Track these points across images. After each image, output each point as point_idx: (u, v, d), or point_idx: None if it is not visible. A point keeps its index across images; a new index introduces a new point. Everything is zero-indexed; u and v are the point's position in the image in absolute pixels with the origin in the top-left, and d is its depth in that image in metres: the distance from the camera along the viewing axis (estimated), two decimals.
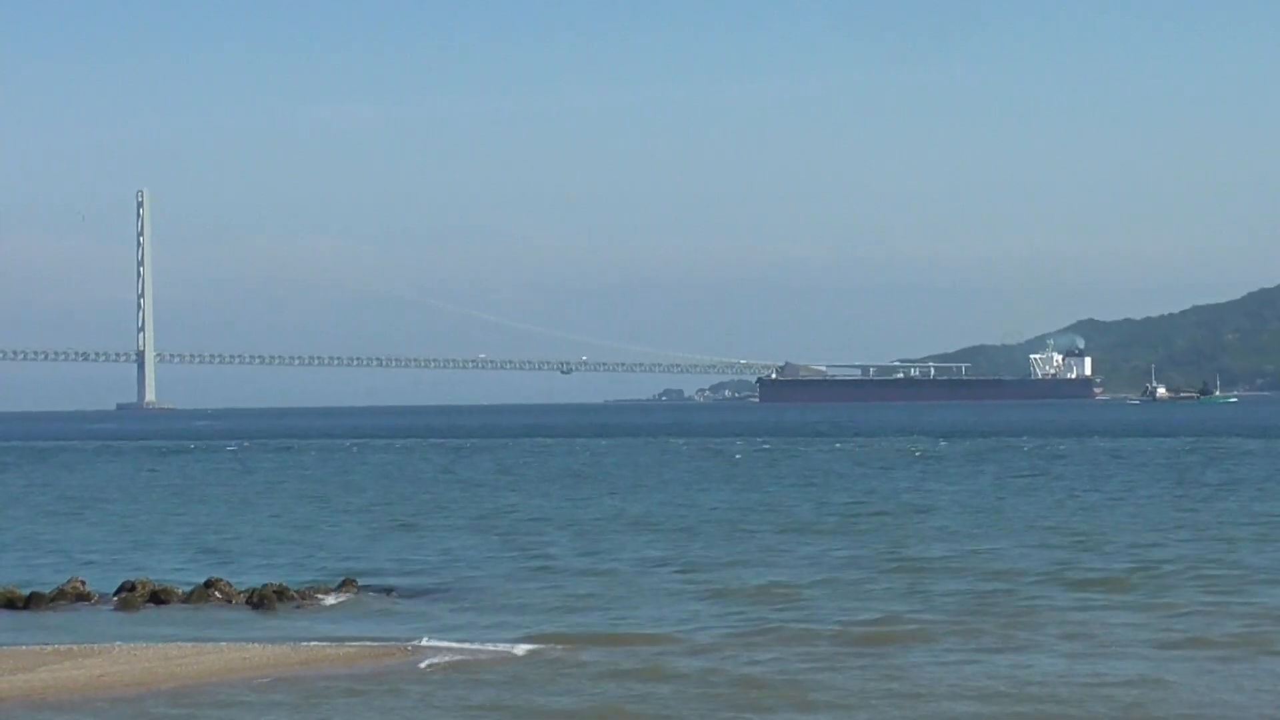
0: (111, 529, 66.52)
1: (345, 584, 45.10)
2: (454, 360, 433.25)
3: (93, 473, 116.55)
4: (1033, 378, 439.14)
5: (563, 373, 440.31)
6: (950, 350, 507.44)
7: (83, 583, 44.62)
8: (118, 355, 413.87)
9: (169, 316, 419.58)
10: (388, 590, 45.02)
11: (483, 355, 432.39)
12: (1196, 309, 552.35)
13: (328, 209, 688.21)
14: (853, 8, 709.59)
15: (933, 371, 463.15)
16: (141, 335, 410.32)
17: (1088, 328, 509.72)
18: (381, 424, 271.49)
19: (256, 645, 35.28)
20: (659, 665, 32.83)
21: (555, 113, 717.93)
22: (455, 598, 43.68)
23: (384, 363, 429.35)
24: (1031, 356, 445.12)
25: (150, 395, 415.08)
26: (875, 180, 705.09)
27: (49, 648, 34.89)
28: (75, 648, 34.86)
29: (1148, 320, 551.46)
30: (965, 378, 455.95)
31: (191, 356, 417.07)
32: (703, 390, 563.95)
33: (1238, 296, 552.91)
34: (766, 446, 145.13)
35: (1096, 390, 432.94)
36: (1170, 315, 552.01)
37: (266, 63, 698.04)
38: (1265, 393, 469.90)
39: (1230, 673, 31.51)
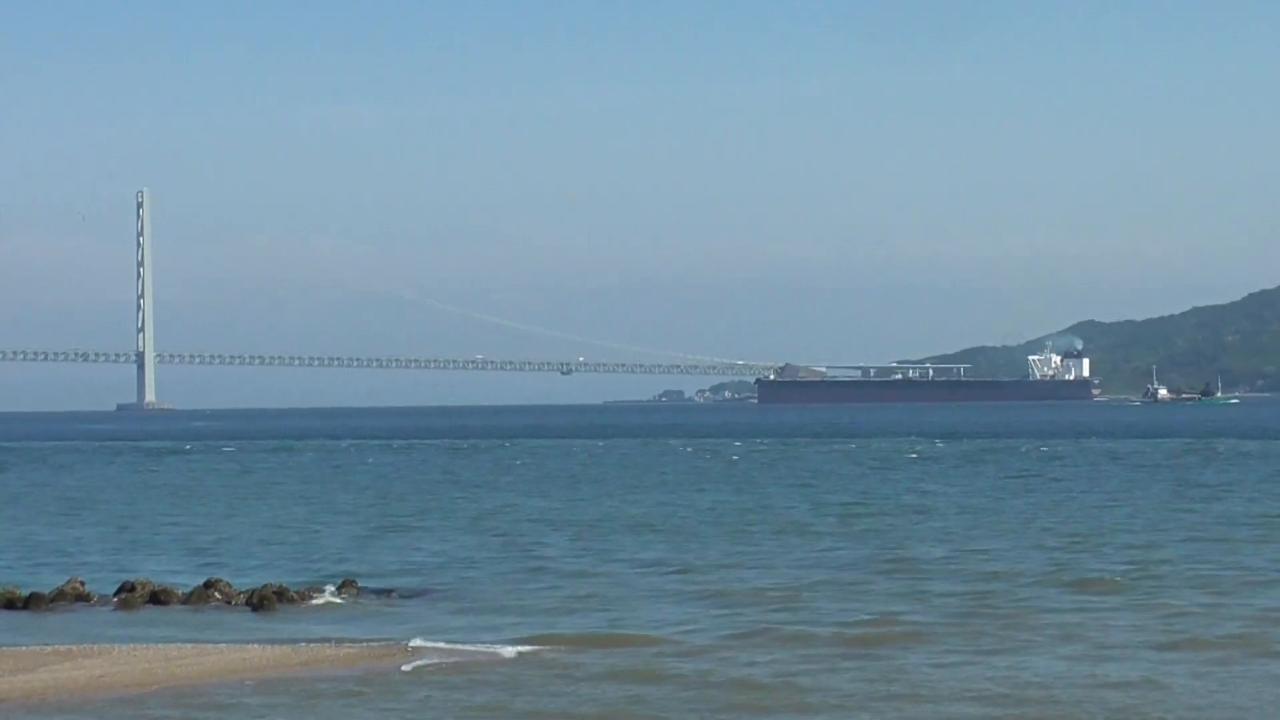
0: (110, 530, 66.55)
1: (345, 585, 45.14)
2: (454, 361, 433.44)
3: (91, 473, 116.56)
4: (1031, 379, 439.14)
5: (562, 373, 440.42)
6: (950, 351, 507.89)
7: (82, 583, 44.66)
8: (118, 356, 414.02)
9: (169, 317, 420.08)
10: (387, 591, 45.06)
11: (479, 356, 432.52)
12: (1197, 310, 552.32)
13: (328, 209, 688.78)
14: (853, 8, 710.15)
15: (931, 373, 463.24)
16: (141, 335, 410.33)
17: (1088, 329, 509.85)
18: (381, 425, 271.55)
19: (256, 646, 35.32)
20: (656, 667, 32.84)
21: (555, 113, 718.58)
22: (454, 599, 43.74)
23: (384, 363, 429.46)
24: (1030, 358, 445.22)
25: (150, 396, 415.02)
26: (875, 180, 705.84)
27: (49, 648, 34.92)
28: (75, 648, 34.89)
29: (1148, 321, 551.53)
30: (964, 379, 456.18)
31: (191, 357, 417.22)
32: (703, 391, 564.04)
33: (1238, 298, 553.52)
34: (763, 447, 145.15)
35: (1095, 392, 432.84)
36: (1171, 316, 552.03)
37: (266, 63, 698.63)
38: (1265, 394, 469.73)
39: (1228, 674, 31.54)
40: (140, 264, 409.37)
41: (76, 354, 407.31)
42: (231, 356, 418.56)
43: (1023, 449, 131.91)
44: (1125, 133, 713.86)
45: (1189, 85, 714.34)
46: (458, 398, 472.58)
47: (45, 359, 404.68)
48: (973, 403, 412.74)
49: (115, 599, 43.73)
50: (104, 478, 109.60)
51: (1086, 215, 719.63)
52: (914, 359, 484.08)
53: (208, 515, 73.59)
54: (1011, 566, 48.33)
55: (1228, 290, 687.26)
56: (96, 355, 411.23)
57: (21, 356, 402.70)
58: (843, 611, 39.77)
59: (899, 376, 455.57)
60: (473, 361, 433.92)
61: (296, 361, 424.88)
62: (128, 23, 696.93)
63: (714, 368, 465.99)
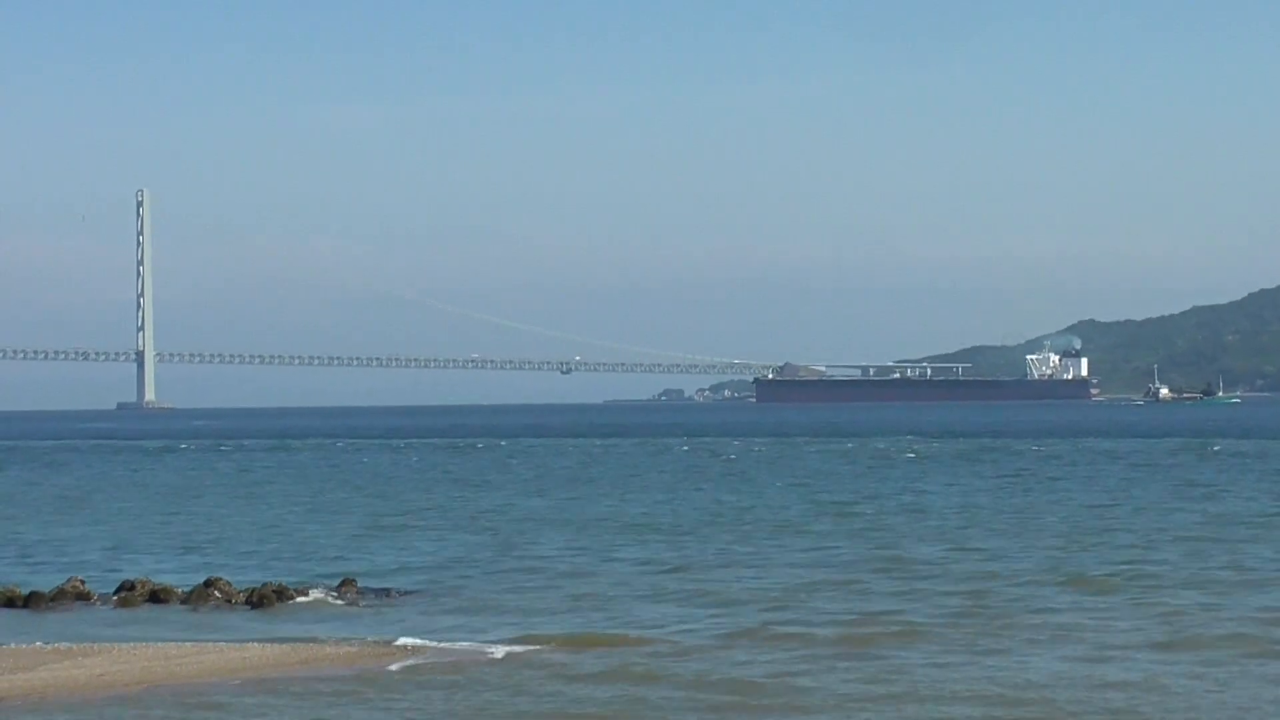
0: (108, 528, 66.60)
1: (344, 584, 45.23)
2: (453, 360, 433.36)
3: (89, 472, 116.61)
4: (1029, 379, 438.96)
5: (562, 373, 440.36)
6: (950, 351, 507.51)
7: (82, 582, 44.76)
8: (118, 355, 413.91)
9: (169, 316, 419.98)
10: (385, 591, 45.12)
11: (476, 355, 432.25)
12: (1197, 310, 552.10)
13: (328, 209, 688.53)
14: (853, 8, 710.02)
15: (929, 372, 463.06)
16: (141, 335, 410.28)
17: (1088, 328, 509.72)
18: (380, 424, 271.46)
19: (256, 645, 35.40)
20: (653, 667, 32.86)
21: (555, 113, 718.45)
22: (452, 598, 43.80)
23: (384, 363, 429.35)
24: (1028, 357, 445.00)
25: (150, 395, 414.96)
26: (875, 180, 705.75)
27: (49, 647, 34.98)
28: (75, 647, 34.96)
29: (1148, 321, 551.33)
30: (962, 378, 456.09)
31: (191, 356, 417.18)
32: (703, 390, 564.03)
33: (1238, 297, 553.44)
34: (760, 447, 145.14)
35: (1093, 391, 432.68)
36: (1171, 316, 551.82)
37: (266, 63, 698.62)
38: (1265, 394, 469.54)
39: (1227, 675, 31.56)
40: (140, 263, 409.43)
41: (77, 353, 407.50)
42: (231, 356, 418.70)
43: (1020, 448, 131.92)
44: (1125, 133, 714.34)
45: (1189, 85, 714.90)
46: (458, 397, 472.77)
47: (45, 358, 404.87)
48: (971, 402, 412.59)
49: (115, 598, 43.82)
50: (102, 477, 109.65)
51: (1086, 215, 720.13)
52: (914, 358, 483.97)
53: (206, 514, 73.65)
54: (1008, 566, 48.35)
55: (1228, 290, 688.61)
56: (97, 354, 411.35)
57: (22, 356, 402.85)
58: (839, 611, 39.77)
59: (897, 376, 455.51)
60: (472, 361, 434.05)
61: (296, 361, 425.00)
62: (128, 23, 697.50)
63: (714, 367, 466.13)
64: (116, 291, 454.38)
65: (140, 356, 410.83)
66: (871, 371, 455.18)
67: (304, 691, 30.81)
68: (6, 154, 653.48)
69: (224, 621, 40.36)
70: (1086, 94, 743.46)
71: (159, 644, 35.60)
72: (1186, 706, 28.99)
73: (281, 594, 43.41)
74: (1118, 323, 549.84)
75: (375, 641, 35.95)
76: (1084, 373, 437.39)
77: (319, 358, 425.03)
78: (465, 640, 36.14)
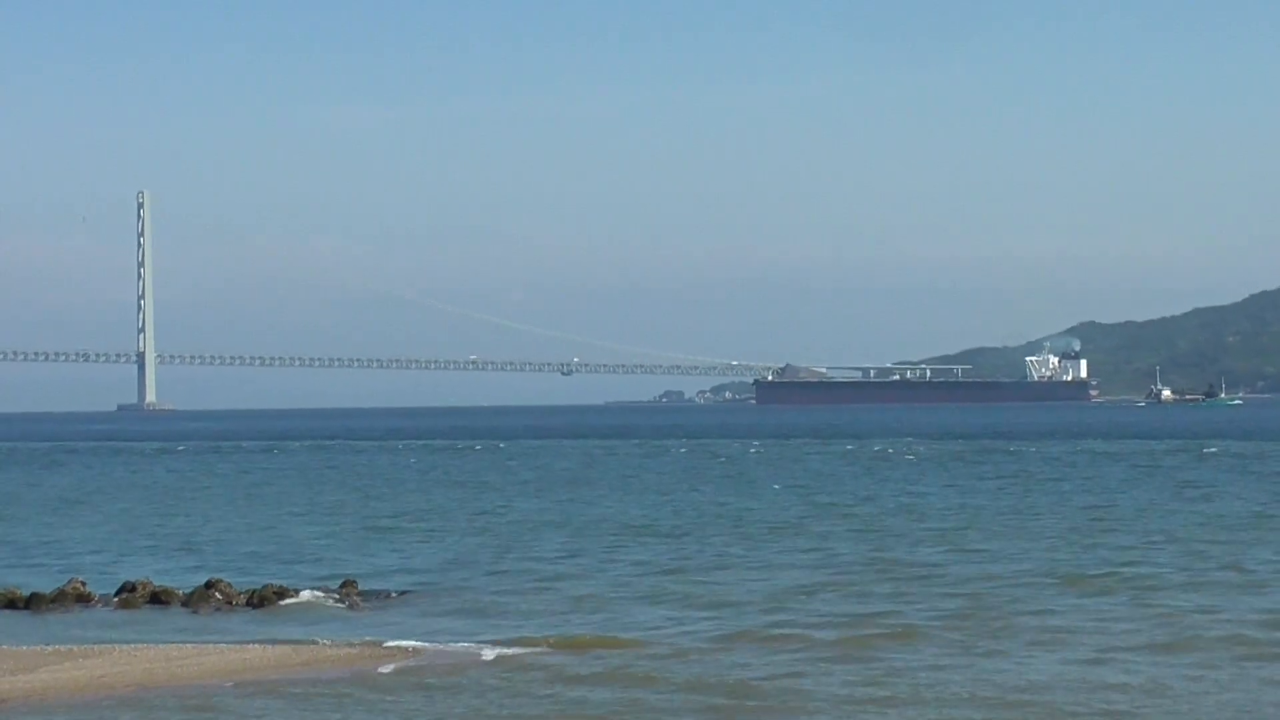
0: (108, 530, 66.69)
1: (345, 585, 45.32)
2: (454, 361, 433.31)
3: (89, 473, 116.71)
4: (1029, 380, 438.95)
5: (563, 374, 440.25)
6: (951, 352, 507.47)
7: (83, 583, 44.85)
8: (118, 356, 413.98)
9: (169, 317, 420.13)
10: (386, 592, 45.21)
11: (473, 357, 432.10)
12: (1198, 311, 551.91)
13: (328, 209, 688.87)
14: (853, 8, 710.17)
15: (928, 374, 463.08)
16: (142, 336, 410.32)
17: (1089, 330, 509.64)
18: (380, 426, 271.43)
19: (257, 646, 35.46)
20: (650, 669, 32.87)
21: (555, 113, 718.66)
22: (452, 600, 43.86)
23: (384, 364, 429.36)
24: (1027, 359, 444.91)
25: (151, 396, 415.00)
26: (875, 181, 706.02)
27: (49, 648, 35.03)
28: (76, 648, 35.01)
29: (1149, 322, 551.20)
30: (962, 380, 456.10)
31: (192, 358, 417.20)
32: (703, 392, 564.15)
33: (1239, 298, 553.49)
34: (759, 448, 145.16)
35: (1093, 393, 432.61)
36: (1172, 317, 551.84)
37: (266, 63, 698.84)
38: (1267, 395, 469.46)
39: (1226, 676, 31.60)
40: (141, 264, 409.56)
41: (77, 354, 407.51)
42: (232, 357, 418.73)
43: (1019, 450, 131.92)
44: (1126, 133, 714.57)
45: (1189, 85, 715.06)
46: (458, 398, 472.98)
47: (46, 359, 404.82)
48: (970, 404, 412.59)
49: (116, 599, 43.91)
50: (101, 478, 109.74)
51: (1087, 216, 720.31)
52: (915, 360, 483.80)
53: (206, 516, 73.71)
54: (1006, 568, 48.34)
55: (1229, 291, 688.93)
56: (97, 356, 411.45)
57: (22, 357, 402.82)
58: (835, 613, 39.75)
59: (896, 378, 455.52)
60: (473, 362, 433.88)
61: (297, 362, 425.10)
62: (128, 23, 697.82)
63: (714, 368, 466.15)
64: (117, 292, 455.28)
65: (141, 358, 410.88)
66: (872, 373, 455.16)
67: (305, 693, 30.86)
68: (6, 154, 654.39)
69: (225, 623, 40.43)
70: (1086, 94, 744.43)
71: (160, 645, 35.66)
72: (1186, 709, 29.01)
73: (282, 595, 43.52)
74: (1118, 324, 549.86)
75: (375, 643, 36.00)
76: (1083, 374, 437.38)
77: (319, 359, 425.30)
78: (464, 642, 36.19)
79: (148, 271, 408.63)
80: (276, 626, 39.37)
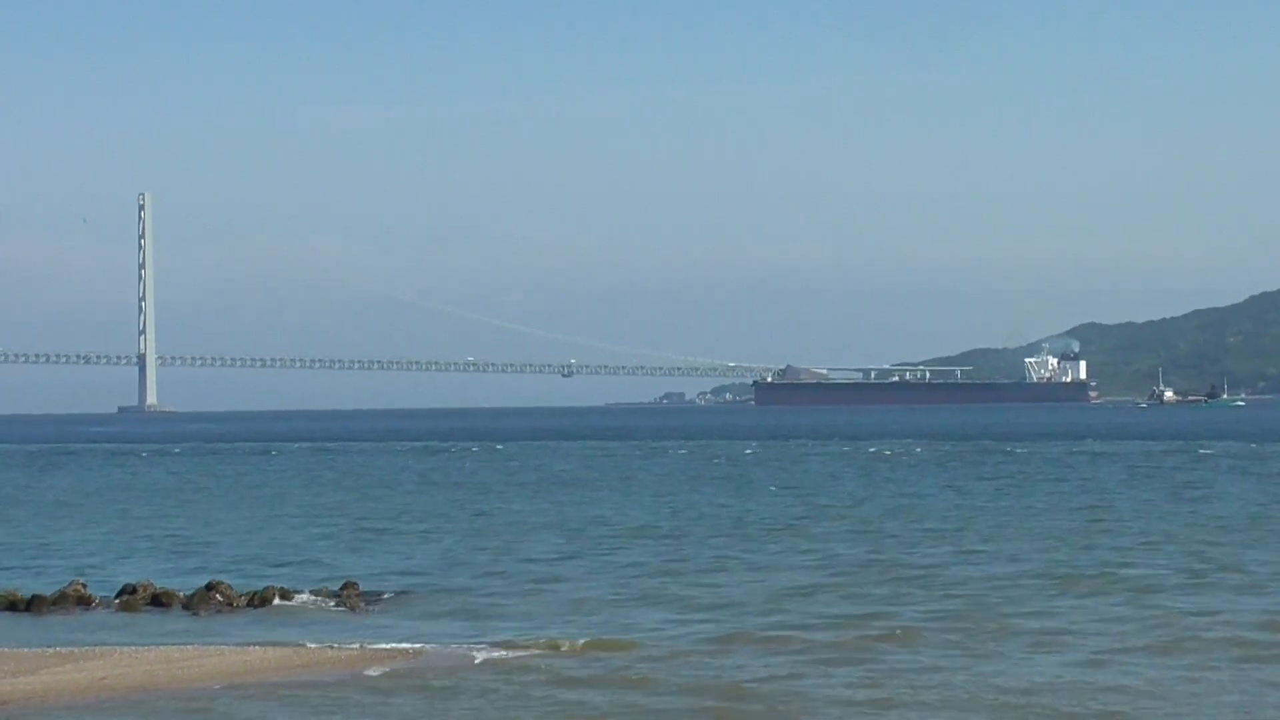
0: (108, 532, 66.73)
1: (346, 587, 45.38)
2: (454, 363, 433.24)
3: (89, 475, 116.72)
4: (1028, 381, 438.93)
5: (563, 375, 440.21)
6: (952, 354, 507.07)
7: (84, 585, 44.92)
8: (119, 358, 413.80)
9: (170, 319, 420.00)
10: (385, 594, 45.27)
11: (472, 358, 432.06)
12: (1198, 312, 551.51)
13: (328, 210, 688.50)
14: (853, 8, 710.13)
15: (928, 375, 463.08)
16: (143, 338, 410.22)
17: (1089, 331, 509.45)
18: (379, 427, 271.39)
19: (257, 648, 35.53)
20: (647, 671, 32.92)
21: (556, 114, 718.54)
22: (451, 602, 43.89)
23: (384, 365, 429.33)
24: (1026, 360, 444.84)
25: (152, 398, 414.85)
26: (875, 182, 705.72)
27: (50, 650, 35.10)
28: (77, 650, 35.09)
29: (1150, 324, 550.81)
30: (961, 381, 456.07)
31: (193, 359, 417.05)
32: (704, 393, 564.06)
33: (1240, 300, 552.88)
34: (758, 449, 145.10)
35: (1092, 394, 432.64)
36: (1172, 319, 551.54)
37: (266, 63, 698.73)
38: (1267, 396, 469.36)
39: (1224, 678, 31.64)
40: (141, 266, 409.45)
41: (78, 356, 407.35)
42: (232, 359, 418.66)
43: (1017, 451, 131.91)
44: (1126, 133, 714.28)
45: (1189, 85, 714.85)
46: (459, 400, 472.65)
47: (46, 361, 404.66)
48: (970, 405, 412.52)
49: (117, 601, 43.97)
50: (101, 480, 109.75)
51: (1087, 217, 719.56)
52: (915, 361, 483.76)
53: (206, 518, 73.73)
54: (1003, 569, 48.39)
55: (1229, 292, 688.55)
56: (98, 357, 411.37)
57: (23, 359, 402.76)
58: (832, 615, 39.81)
59: (896, 379, 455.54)
60: (473, 363, 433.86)
61: (297, 364, 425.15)
62: (128, 23, 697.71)
63: (715, 370, 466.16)
64: (117, 294, 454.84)
65: (141, 360, 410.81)
66: (871, 374, 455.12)
67: (305, 696, 30.92)
68: (6, 154, 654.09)
69: (225, 625, 40.48)
70: (1086, 94, 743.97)
71: (161, 647, 35.73)
72: (1185, 710, 29.07)
73: (283, 597, 43.62)
74: (1119, 325, 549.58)
75: (374, 645, 36.06)
76: (1083, 375, 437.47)
77: (319, 361, 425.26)
78: (463, 644, 36.26)
79: (148, 273, 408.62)
80: (277, 628, 39.42)
